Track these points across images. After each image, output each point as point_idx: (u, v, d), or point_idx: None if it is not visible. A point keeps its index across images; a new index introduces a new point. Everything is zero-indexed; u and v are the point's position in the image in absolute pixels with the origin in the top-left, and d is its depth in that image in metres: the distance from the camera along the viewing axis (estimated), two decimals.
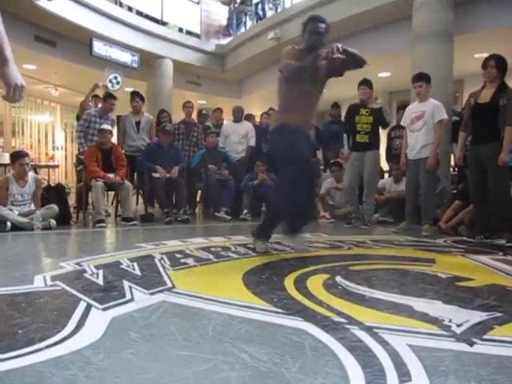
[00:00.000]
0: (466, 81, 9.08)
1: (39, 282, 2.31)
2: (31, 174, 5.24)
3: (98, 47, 8.94)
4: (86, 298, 1.97)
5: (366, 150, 5.19)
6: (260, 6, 11.66)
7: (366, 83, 5.30)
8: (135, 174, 6.41)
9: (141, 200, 6.77)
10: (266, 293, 2.11)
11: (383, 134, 7.83)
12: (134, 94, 6.50)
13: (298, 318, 1.75)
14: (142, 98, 6.48)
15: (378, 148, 5.32)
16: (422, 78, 4.76)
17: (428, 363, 1.33)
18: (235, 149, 6.64)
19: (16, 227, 4.61)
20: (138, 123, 6.33)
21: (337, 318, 1.74)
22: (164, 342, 1.49)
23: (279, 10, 10.61)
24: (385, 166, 7.05)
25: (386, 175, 7.01)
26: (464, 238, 4.24)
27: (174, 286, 2.22)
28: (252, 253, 3.27)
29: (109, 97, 6.23)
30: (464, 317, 1.77)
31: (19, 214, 4.77)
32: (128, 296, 2.03)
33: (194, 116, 7.40)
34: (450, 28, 6.53)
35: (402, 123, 5.13)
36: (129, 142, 6.27)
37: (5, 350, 1.38)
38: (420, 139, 4.68)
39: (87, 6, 8.84)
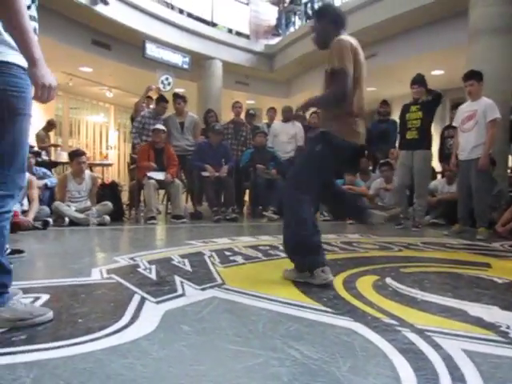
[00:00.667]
0: None
1: (96, 275, 2.42)
2: (88, 172, 5.48)
3: (151, 49, 9.20)
4: (140, 292, 2.05)
5: (416, 148, 5.05)
6: (309, 5, 11.60)
7: (417, 82, 5.13)
8: (182, 173, 6.56)
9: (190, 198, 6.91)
10: (315, 292, 2.11)
11: (436, 134, 7.61)
12: (176, 96, 6.65)
13: (347, 318, 1.74)
14: (184, 100, 6.60)
15: (428, 148, 5.16)
16: (473, 76, 4.58)
17: (484, 369, 1.29)
18: (284, 148, 6.65)
19: (73, 222, 4.84)
20: (181, 124, 6.47)
21: (387, 320, 1.72)
22: (215, 336, 1.52)
23: None
24: (437, 166, 6.85)
25: (439, 176, 6.81)
26: None
27: (223, 283, 2.26)
28: None
29: (161, 100, 6.43)
30: None
31: (76, 210, 5.00)
32: (180, 291, 2.09)
33: (243, 116, 7.47)
34: (509, 23, 6.24)
35: (454, 123, 4.96)
36: (173, 142, 6.42)
37: (67, 337, 1.47)
38: (471, 139, 4.52)
39: (140, 9, 9.13)
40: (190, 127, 6.53)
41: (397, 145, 5.51)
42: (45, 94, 1.53)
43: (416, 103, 5.13)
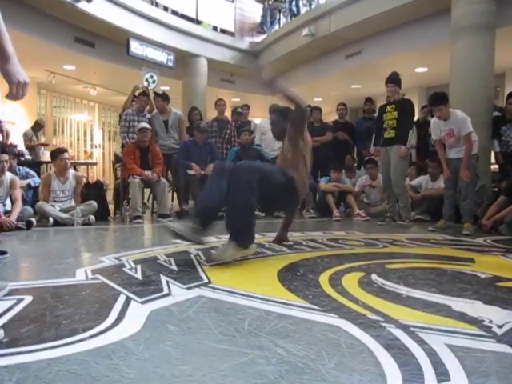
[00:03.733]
0: (508, 74, 8.79)
1: (81, 276, 2.39)
2: (71, 171, 5.42)
3: (135, 47, 9.11)
4: (125, 292, 2.03)
5: (393, 144, 5.15)
6: (294, 3, 11.60)
7: (392, 81, 5.22)
8: (169, 172, 6.53)
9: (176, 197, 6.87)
10: (301, 289, 2.12)
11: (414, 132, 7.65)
12: (156, 95, 6.68)
13: (333, 315, 1.75)
14: (163, 98, 6.54)
15: (404, 144, 5.19)
16: (439, 101, 4.61)
17: (467, 363, 1.31)
18: (272, 146, 6.65)
19: (57, 222, 4.78)
20: (165, 122, 6.45)
21: (373, 316, 1.73)
22: (201, 336, 1.52)
23: (313, 7, 10.53)
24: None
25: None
26: (505, 238, 4.12)
27: (209, 281, 2.26)
28: (286, 250, 3.28)
29: (141, 94, 6.43)
30: (505, 318, 1.73)
31: (60, 210, 4.93)
32: (165, 290, 2.08)
33: (227, 113, 7.44)
34: (491, 20, 6.31)
35: (433, 136, 5.00)
36: (159, 141, 6.39)
37: (51, 339, 1.45)
38: (457, 148, 4.68)
39: (124, 6, 9.04)
40: (174, 125, 6.50)
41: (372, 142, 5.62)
42: (20, 91, 1.50)
43: (391, 103, 5.22)
